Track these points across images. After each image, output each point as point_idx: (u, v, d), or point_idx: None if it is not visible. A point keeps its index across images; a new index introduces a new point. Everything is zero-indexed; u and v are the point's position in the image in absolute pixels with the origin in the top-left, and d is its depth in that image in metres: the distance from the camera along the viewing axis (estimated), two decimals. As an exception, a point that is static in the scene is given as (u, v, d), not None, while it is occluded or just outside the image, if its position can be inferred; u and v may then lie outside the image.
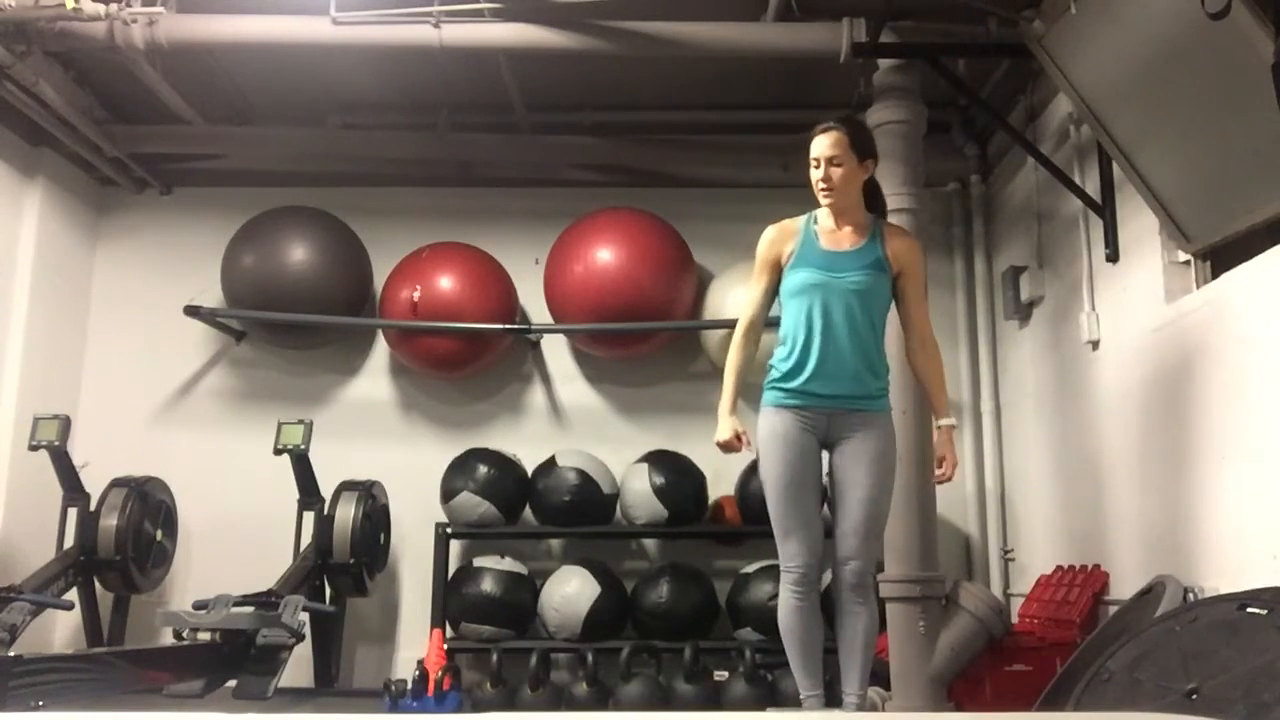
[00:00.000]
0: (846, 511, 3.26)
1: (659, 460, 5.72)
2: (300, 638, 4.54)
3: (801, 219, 3.38)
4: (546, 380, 6.36)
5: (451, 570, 5.68)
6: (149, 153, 6.12)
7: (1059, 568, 4.91)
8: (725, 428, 3.32)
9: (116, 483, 5.51)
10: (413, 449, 6.17)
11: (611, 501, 5.73)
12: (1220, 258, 3.90)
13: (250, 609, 4.48)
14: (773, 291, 3.39)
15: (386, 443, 6.19)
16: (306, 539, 5.51)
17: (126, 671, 3.81)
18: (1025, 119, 5.35)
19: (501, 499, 5.66)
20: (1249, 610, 2.87)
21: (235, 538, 5.92)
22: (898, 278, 3.34)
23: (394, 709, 4.76)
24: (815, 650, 3.27)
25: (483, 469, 5.67)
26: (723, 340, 5.04)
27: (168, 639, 4.75)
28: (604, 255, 5.72)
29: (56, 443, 5.32)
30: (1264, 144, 3.32)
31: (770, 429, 3.26)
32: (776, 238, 3.36)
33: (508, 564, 5.61)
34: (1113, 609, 4.28)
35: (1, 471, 5.68)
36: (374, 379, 6.37)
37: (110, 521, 5.35)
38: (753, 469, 5.34)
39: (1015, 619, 5.05)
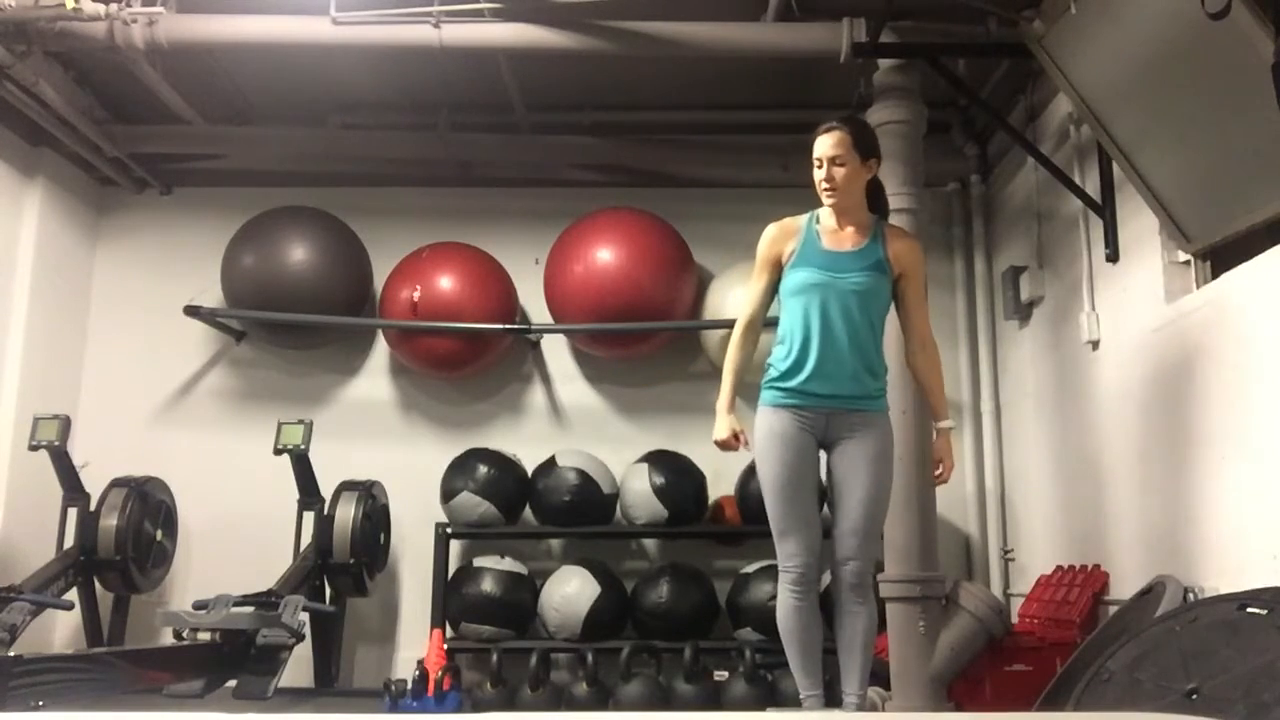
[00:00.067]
0: (845, 512, 3.25)
1: (659, 460, 5.72)
2: (300, 638, 4.54)
3: (803, 218, 3.37)
4: (546, 380, 6.36)
5: (451, 570, 5.68)
6: (149, 153, 6.12)
7: (1059, 568, 4.91)
8: (723, 426, 3.32)
9: (116, 483, 5.52)
10: (413, 449, 6.17)
11: (611, 501, 5.73)
12: (1220, 258, 3.90)
13: (250, 609, 4.48)
14: (773, 290, 3.38)
15: (386, 443, 6.19)
16: (306, 539, 5.51)
17: (126, 671, 3.81)
18: (1025, 119, 5.35)
19: (501, 499, 5.66)
20: (1249, 610, 2.87)
21: (235, 538, 5.92)
22: (898, 279, 3.33)
23: (394, 709, 4.76)
24: (814, 650, 3.27)
25: (483, 469, 5.67)
26: (722, 340, 5.03)
27: (168, 639, 4.75)
28: (604, 255, 5.72)
29: (56, 443, 5.32)
30: (1264, 144, 3.32)
31: (768, 428, 3.26)
32: (777, 236, 3.36)
33: (508, 564, 5.61)
34: (1113, 609, 4.28)
35: (1, 471, 5.68)
36: (374, 379, 6.37)
37: (110, 521, 5.36)
38: (753, 469, 5.32)
39: (1015, 619, 5.04)
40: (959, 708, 4.26)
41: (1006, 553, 5.78)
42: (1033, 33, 4.21)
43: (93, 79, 5.56)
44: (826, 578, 3.35)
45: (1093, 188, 4.63)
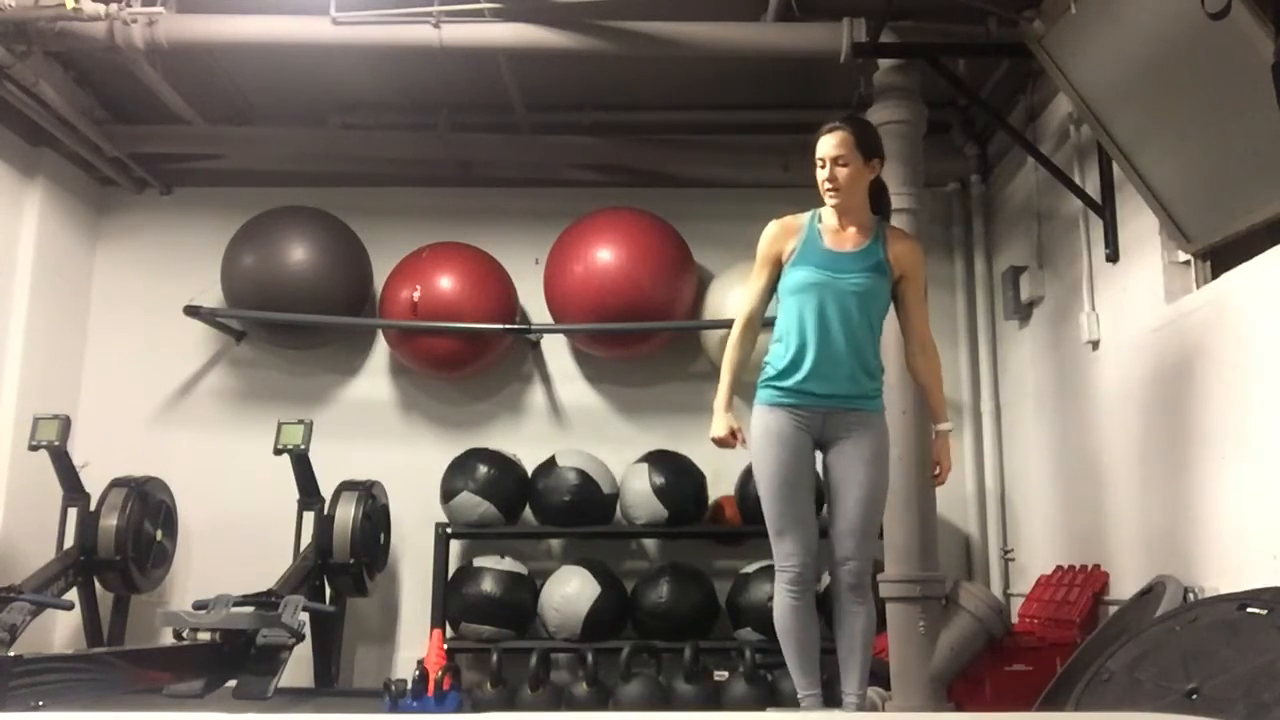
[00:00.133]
0: (843, 512, 3.25)
1: (659, 460, 5.72)
2: (300, 638, 4.54)
3: (806, 216, 3.36)
4: (546, 380, 6.36)
5: (451, 570, 5.68)
6: (149, 153, 6.12)
7: (1059, 568, 4.90)
8: (720, 424, 3.32)
9: (116, 483, 5.52)
10: (413, 449, 6.17)
11: (611, 501, 5.73)
12: (1220, 258, 3.90)
13: (250, 609, 4.48)
14: (772, 287, 3.37)
15: (386, 443, 6.20)
16: (306, 539, 5.51)
17: (126, 671, 3.81)
18: (1025, 119, 5.35)
19: (501, 499, 5.66)
20: (1249, 610, 2.87)
21: (235, 538, 5.92)
22: (898, 281, 3.33)
23: (394, 709, 4.76)
24: (812, 649, 3.26)
25: (483, 469, 5.67)
26: (722, 340, 5.03)
27: (168, 639, 4.75)
28: (604, 255, 5.72)
29: (56, 443, 5.32)
30: (1264, 144, 3.32)
31: (764, 427, 3.25)
32: (779, 234, 3.34)
33: (508, 564, 5.61)
34: (1113, 609, 4.28)
35: (1, 471, 5.68)
36: (374, 379, 6.37)
37: (110, 521, 5.36)
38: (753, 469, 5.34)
39: (1015, 619, 5.04)
40: (959, 708, 4.26)
41: (1006, 553, 5.78)
42: (1033, 33, 4.21)
43: (93, 79, 5.56)
44: (826, 578, 3.35)
45: (1093, 188, 4.63)
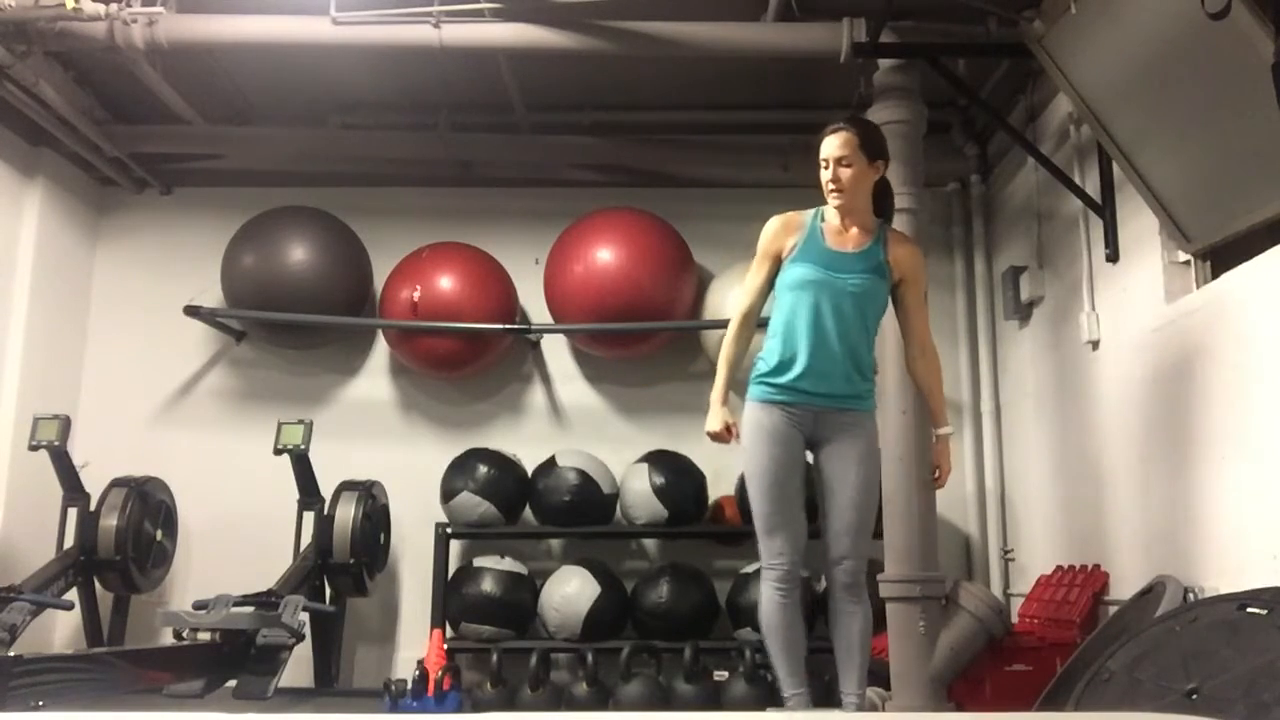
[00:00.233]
0: (838, 512, 3.25)
1: (659, 460, 5.72)
2: (300, 638, 4.54)
3: (809, 213, 3.35)
4: (546, 380, 6.36)
5: (451, 570, 5.68)
6: (149, 153, 6.12)
7: (1059, 568, 4.90)
8: (716, 418, 3.30)
9: (116, 483, 5.52)
10: (413, 449, 6.17)
11: (611, 501, 5.73)
12: (1220, 258, 3.90)
13: (250, 609, 4.48)
14: (771, 283, 3.35)
15: (386, 443, 6.20)
16: (306, 539, 5.51)
17: (126, 671, 3.81)
18: (1025, 119, 5.35)
19: (501, 499, 5.66)
20: (1249, 610, 2.87)
21: (235, 538, 5.92)
22: (898, 284, 3.33)
23: (394, 709, 4.76)
24: (798, 648, 3.25)
25: (483, 469, 5.67)
26: (722, 340, 5.04)
27: (168, 639, 4.75)
28: (604, 255, 5.72)
29: (56, 443, 5.32)
30: (1264, 144, 3.32)
31: (756, 424, 3.24)
32: (780, 230, 3.33)
33: (508, 564, 5.61)
34: (1113, 609, 4.28)
35: (1, 471, 5.69)
36: (374, 379, 6.37)
37: (110, 521, 5.36)
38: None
39: (1015, 619, 5.04)
40: (959, 708, 4.26)
41: (1006, 553, 5.78)
42: (1033, 33, 4.21)
43: (93, 79, 5.56)
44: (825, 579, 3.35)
45: (1093, 188, 4.63)
